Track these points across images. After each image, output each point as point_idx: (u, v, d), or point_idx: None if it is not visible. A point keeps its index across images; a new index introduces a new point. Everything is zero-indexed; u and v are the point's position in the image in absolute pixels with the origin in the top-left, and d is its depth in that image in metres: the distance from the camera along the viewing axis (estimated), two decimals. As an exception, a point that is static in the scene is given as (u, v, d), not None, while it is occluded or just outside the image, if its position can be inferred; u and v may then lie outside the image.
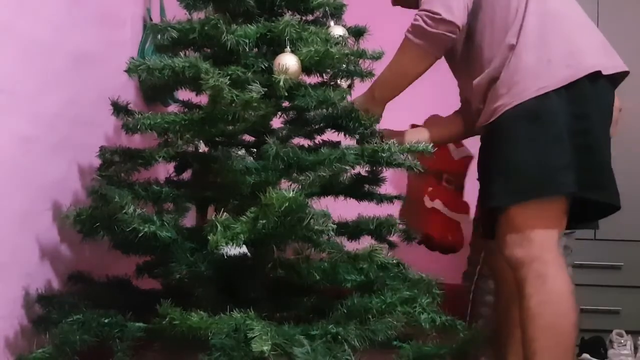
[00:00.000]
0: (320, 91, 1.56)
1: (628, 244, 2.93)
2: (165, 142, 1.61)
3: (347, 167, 1.50)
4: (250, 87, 1.40)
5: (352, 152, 1.51)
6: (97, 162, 1.71)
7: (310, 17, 1.71)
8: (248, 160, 1.57)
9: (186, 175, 1.79)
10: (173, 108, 1.98)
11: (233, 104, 1.37)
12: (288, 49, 1.48)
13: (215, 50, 1.59)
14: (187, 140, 1.57)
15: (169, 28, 1.57)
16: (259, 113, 1.44)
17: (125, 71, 1.51)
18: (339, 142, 1.74)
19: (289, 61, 1.46)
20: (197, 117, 1.46)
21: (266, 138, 1.54)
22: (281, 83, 1.41)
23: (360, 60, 1.71)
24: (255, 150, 1.67)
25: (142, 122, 1.47)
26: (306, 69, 1.54)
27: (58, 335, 1.41)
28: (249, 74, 1.48)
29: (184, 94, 1.77)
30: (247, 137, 1.73)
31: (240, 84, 1.46)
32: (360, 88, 1.78)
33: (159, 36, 1.64)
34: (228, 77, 1.41)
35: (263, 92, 1.41)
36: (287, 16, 1.53)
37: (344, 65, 1.67)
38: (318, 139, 1.79)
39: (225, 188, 1.56)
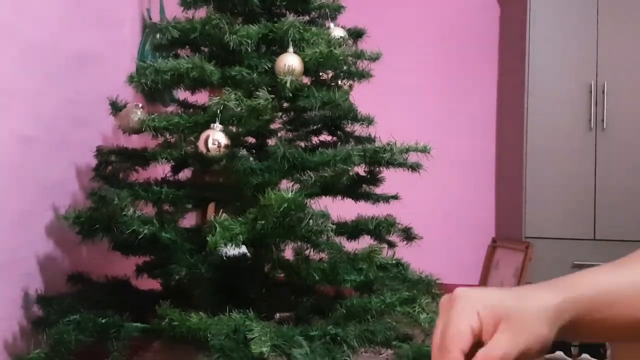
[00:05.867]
0: (324, 92, 1.55)
1: (628, 244, 2.93)
2: (167, 143, 1.61)
3: (350, 168, 1.50)
4: (257, 93, 1.39)
5: (356, 152, 1.51)
6: (96, 162, 1.71)
7: (307, 18, 1.70)
8: (252, 161, 1.56)
9: (182, 175, 1.79)
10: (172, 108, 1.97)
11: (239, 109, 1.37)
12: (291, 49, 1.48)
13: (214, 50, 1.59)
14: (189, 142, 1.56)
15: (169, 27, 1.56)
16: (265, 118, 1.44)
17: (131, 77, 1.51)
18: (335, 143, 1.73)
19: (293, 62, 1.46)
20: (202, 120, 1.46)
21: (268, 139, 1.54)
22: (288, 84, 1.41)
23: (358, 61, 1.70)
24: (254, 151, 1.67)
25: (147, 123, 1.47)
26: (308, 70, 1.53)
27: (54, 336, 1.41)
28: (255, 75, 1.48)
29: (181, 93, 1.77)
30: (248, 138, 1.73)
31: (244, 84, 1.45)
32: (359, 89, 1.77)
33: (159, 35, 1.64)
34: (232, 77, 1.40)
35: (271, 99, 1.40)
36: (291, 17, 1.52)
37: (345, 67, 1.67)
38: (315, 139, 1.78)
39: (227, 189, 1.56)
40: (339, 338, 1.38)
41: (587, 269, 0.65)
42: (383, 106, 2.23)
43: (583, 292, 0.62)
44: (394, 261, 1.57)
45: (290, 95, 1.45)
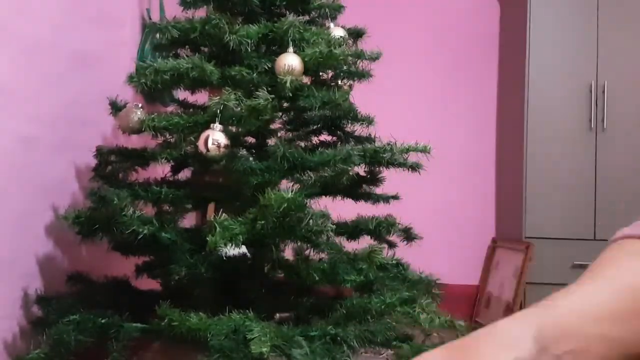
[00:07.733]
0: (324, 92, 1.55)
1: (628, 244, 2.92)
2: (167, 143, 1.61)
3: (350, 168, 1.50)
4: (257, 93, 1.39)
5: (357, 152, 1.51)
6: (96, 162, 1.71)
7: (307, 18, 1.70)
8: (252, 161, 1.56)
9: (183, 175, 1.79)
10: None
11: (239, 109, 1.37)
12: (291, 49, 1.48)
13: (213, 50, 1.59)
14: (189, 142, 1.56)
15: (169, 27, 1.56)
16: (265, 118, 1.44)
17: (131, 77, 1.51)
18: (335, 143, 1.74)
19: (293, 62, 1.46)
20: (202, 120, 1.46)
21: (267, 139, 1.54)
22: (288, 84, 1.41)
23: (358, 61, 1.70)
24: (254, 151, 1.67)
25: (147, 123, 1.47)
26: (307, 69, 1.53)
27: (53, 336, 1.41)
28: (255, 74, 1.48)
29: (181, 93, 1.77)
30: (248, 138, 1.73)
31: (244, 84, 1.45)
32: (359, 89, 1.78)
33: (159, 35, 1.64)
34: (232, 77, 1.40)
35: (271, 99, 1.40)
36: (291, 17, 1.52)
37: (345, 67, 1.67)
38: (315, 139, 1.78)
39: (227, 189, 1.56)
40: (339, 338, 1.38)
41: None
42: (383, 106, 2.23)
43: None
44: (394, 261, 1.57)
45: (290, 95, 1.45)
